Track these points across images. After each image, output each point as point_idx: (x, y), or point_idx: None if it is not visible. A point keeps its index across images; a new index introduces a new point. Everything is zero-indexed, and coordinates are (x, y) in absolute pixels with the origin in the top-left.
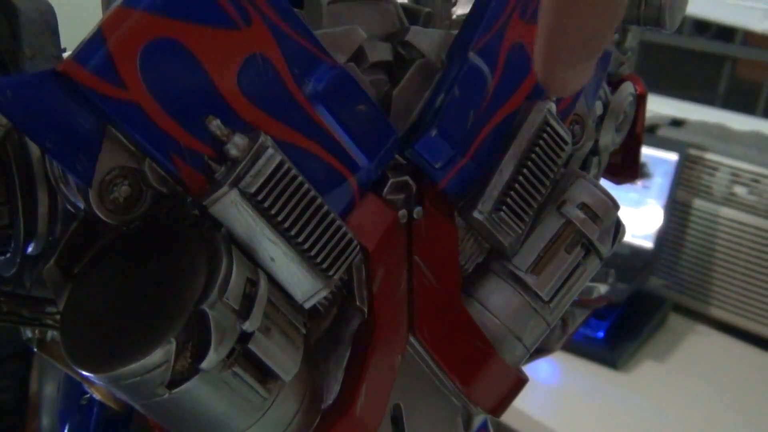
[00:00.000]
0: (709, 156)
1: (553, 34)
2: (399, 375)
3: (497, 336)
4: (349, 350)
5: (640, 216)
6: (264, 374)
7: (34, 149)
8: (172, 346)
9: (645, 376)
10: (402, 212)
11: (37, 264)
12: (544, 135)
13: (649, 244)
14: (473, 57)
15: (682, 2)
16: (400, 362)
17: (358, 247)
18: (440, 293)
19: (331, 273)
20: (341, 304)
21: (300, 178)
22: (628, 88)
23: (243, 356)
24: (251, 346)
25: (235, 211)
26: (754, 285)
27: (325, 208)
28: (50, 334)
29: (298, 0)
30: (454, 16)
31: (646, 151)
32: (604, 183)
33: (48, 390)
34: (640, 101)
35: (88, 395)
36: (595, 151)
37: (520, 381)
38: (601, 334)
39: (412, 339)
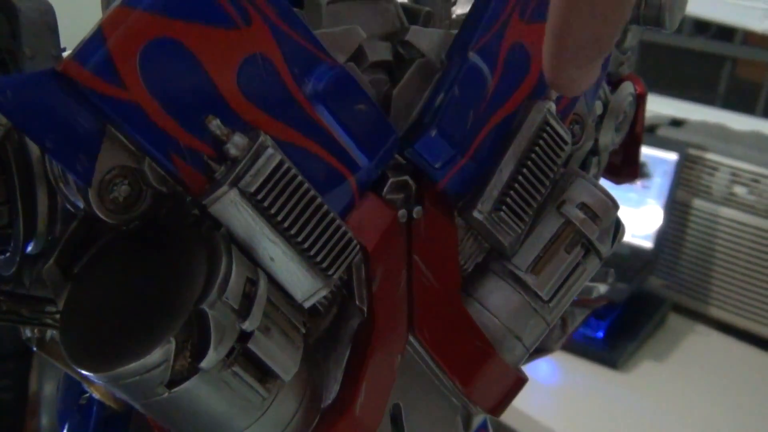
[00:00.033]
0: (709, 156)
1: (562, 33)
2: (398, 374)
3: (497, 336)
4: (349, 350)
5: (640, 216)
6: (263, 374)
7: (34, 149)
8: (172, 346)
9: (644, 376)
10: (402, 212)
11: (37, 263)
12: (544, 135)
13: (648, 244)
14: (473, 57)
15: (682, 2)
16: (400, 362)
17: (358, 246)
18: (440, 293)
19: (330, 272)
20: (341, 303)
21: (300, 178)
22: (627, 88)
23: (242, 356)
24: (251, 345)
25: (234, 210)
26: (753, 285)
27: (325, 207)
28: (50, 333)
29: (298, 0)
30: (454, 16)
31: (646, 151)
32: (604, 183)
33: (47, 389)
34: (639, 101)
35: (87, 394)
36: (594, 151)
37: (520, 381)
38: (600, 334)
39: (411, 338)
